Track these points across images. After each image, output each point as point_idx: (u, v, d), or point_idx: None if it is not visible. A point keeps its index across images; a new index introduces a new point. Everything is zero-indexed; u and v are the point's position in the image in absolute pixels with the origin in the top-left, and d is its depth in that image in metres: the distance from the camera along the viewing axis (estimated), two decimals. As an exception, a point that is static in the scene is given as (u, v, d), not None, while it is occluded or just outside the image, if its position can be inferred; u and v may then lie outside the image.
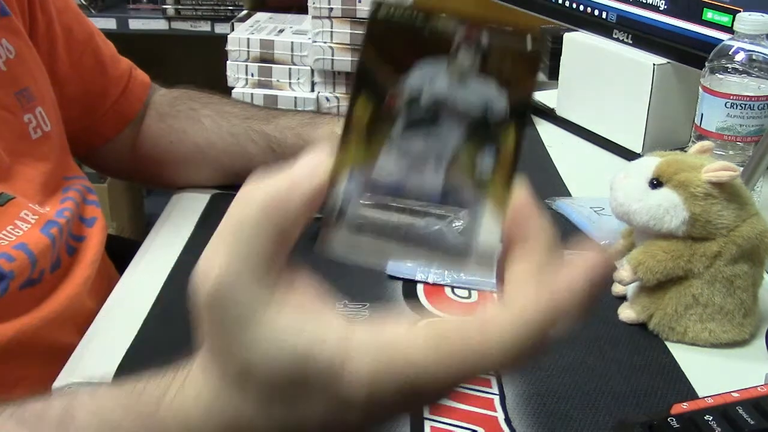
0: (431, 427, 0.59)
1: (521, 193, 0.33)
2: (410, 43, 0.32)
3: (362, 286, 0.73)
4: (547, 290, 0.32)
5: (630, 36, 1.10)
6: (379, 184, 0.33)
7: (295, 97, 1.23)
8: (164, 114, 0.98)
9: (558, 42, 1.24)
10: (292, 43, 1.22)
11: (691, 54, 1.01)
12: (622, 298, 0.74)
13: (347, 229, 0.33)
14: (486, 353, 0.31)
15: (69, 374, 0.65)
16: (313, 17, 1.20)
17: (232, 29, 1.37)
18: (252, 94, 1.23)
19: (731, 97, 0.89)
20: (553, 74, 1.24)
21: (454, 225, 0.33)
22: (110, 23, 2.21)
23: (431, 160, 0.33)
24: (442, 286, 0.77)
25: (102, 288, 0.82)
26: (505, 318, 0.31)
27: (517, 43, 0.32)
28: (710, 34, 0.99)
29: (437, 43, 0.32)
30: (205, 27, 2.23)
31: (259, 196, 0.32)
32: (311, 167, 0.32)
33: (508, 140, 0.32)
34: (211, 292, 0.32)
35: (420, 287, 0.77)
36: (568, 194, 0.97)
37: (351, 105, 0.32)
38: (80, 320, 0.76)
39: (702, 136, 0.91)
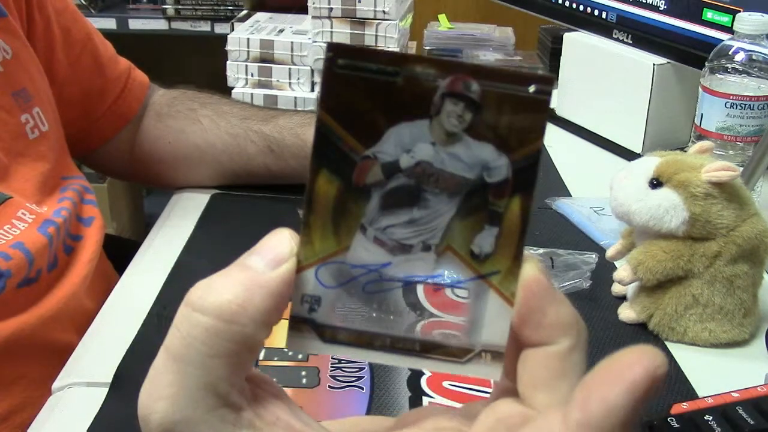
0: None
1: (533, 272, 0.27)
2: (380, 98, 0.26)
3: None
4: (581, 412, 0.24)
5: (630, 36, 1.10)
6: (354, 279, 0.27)
7: (295, 97, 1.23)
8: (163, 114, 0.98)
9: (558, 42, 1.24)
10: (292, 43, 1.22)
11: (691, 54, 1.01)
12: (622, 298, 0.74)
13: (319, 338, 0.28)
14: None
15: (68, 374, 0.65)
16: (313, 17, 1.20)
17: (232, 29, 1.37)
18: (252, 94, 1.22)
19: (731, 97, 0.88)
20: (553, 74, 1.24)
21: (449, 322, 0.28)
22: (110, 23, 2.21)
23: (417, 243, 0.28)
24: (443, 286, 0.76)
25: (100, 287, 0.82)
26: None
27: (517, 88, 0.26)
28: (710, 34, 0.98)
29: (415, 97, 0.26)
30: (205, 27, 2.23)
31: (211, 304, 0.26)
32: (272, 261, 0.27)
33: (511, 210, 0.27)
34: (160, 431, 0.26)
35: (420, 288, 0.76)
36: (568, 194, 0.97)
37: (311, 182, 0.27)
38: (78, 319, 0.76)
39: (702, 136, 0.91)
